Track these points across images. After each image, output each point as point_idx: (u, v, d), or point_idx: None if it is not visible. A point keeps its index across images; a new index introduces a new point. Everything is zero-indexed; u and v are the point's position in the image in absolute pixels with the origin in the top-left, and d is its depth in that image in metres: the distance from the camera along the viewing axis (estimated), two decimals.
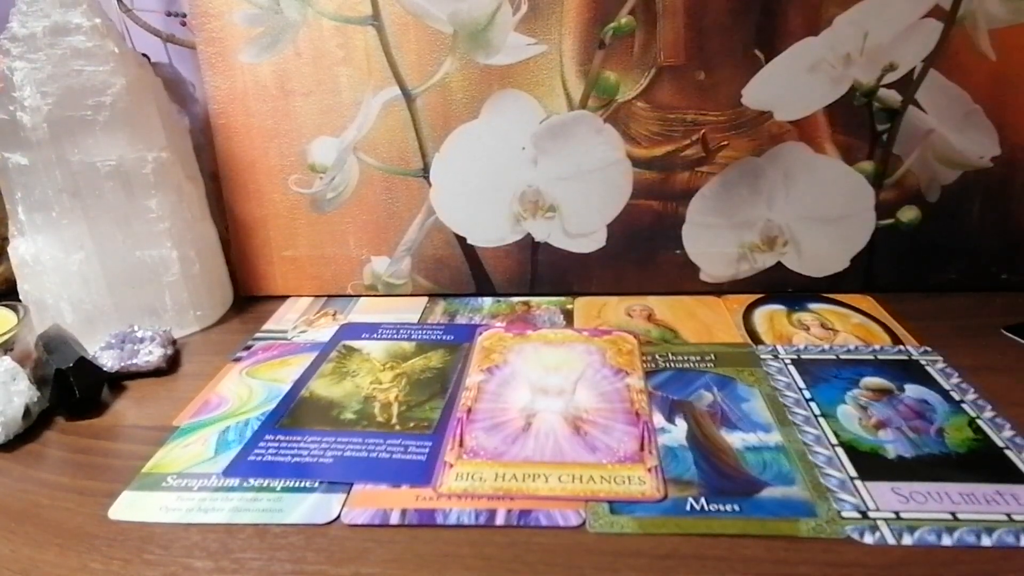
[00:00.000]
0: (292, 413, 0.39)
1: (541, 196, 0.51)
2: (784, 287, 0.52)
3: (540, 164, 0.51)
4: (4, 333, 0.43)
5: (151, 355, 0.45)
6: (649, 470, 0.33)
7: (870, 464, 0.33)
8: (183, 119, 0.56)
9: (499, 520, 0.30)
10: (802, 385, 0.40)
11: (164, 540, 0.30)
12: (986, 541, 0.28)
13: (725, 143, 0.49)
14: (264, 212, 0.54)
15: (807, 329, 0.47)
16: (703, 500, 0.31)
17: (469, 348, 0.46)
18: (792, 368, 0.41)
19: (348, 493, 0.32)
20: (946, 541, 0.28)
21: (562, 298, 0.53)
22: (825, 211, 0.50)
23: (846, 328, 0.46)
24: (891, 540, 0.28)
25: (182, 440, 0.38)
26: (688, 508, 0.30)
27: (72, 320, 0.47)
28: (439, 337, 0.48)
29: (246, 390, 0.42)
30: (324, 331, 0.50)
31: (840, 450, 0.34)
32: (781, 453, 0.34)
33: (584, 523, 0.30)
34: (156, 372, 0.45)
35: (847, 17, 0.46)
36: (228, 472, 0.34)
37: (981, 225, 0.50)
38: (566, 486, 0.32)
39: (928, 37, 0.46)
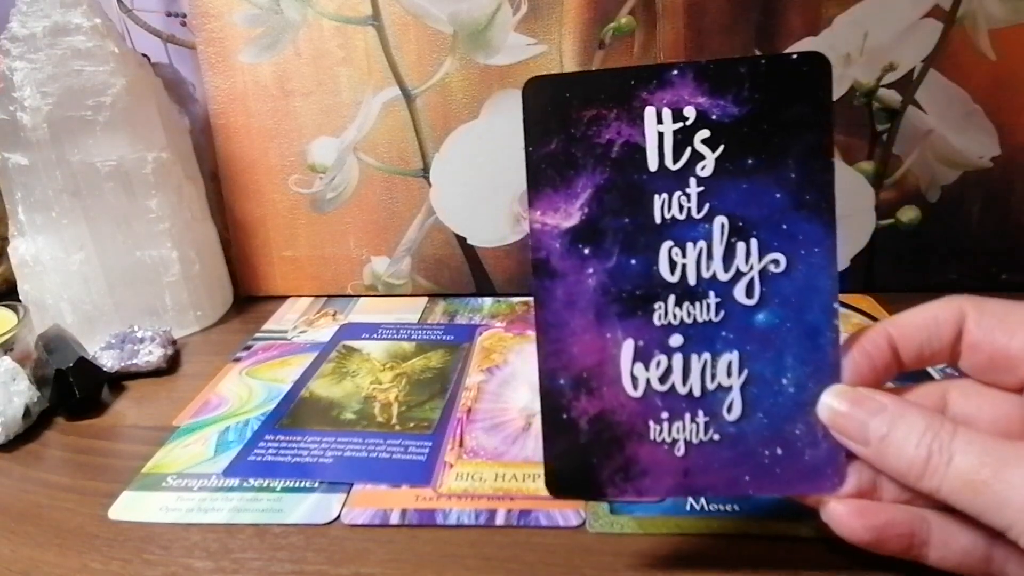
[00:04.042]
0: (292, 413, 0.39)
1: None
2: None
3: None
4: (4, 333, 0.43)
5: (151, 355, 0.45)
6: None
7: None
8: (183, 119, 0.56)
9: (499, 520, 0.30)
10: None
11: (164, 540, 0.30)
12: None
13: None
14: (264, 212, 0.54)
15: None
16: (703, 500, 0.31)
17: (469, 348, 0.46)
18: None
19: (348, 493, 0.32)
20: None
21: None
22: None
23: (846, 328, 0.46)
24: None
25: (182, 440, 0.38)
26: (688, 508, 0.30)
27: (72, 320, 0.47)
28: (439, 337, 0.48)
29: (246, 390, 0.42)
30: (324, 331, 0.50)
31: None
32: None
33: (584, 523, 0.30)
34: (156, 372, 0.45)
35: (847, 17, 0.46)
36: (228, 472, 0.34)
37: (981, 225, 0.50)
38: None
39: (928, 37, 0.46)
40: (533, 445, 0.35)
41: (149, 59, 0.54)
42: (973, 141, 0.48)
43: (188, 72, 0.59)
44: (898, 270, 0.51)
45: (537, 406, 0.38)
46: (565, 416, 0.26)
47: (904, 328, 0.25)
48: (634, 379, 0.26)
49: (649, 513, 0.30)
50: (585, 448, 0.26)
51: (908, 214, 0.50)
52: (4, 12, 0.45)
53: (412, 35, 0.49)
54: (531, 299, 0.53)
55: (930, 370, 0.39)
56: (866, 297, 0.51)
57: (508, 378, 0.42)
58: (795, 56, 0.24)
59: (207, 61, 0.51)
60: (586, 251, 0.26)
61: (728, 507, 0.30)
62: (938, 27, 0.46)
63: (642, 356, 0.26)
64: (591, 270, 0.26)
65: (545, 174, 0.26)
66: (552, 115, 0.26)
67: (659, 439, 0.26)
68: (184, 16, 0.58)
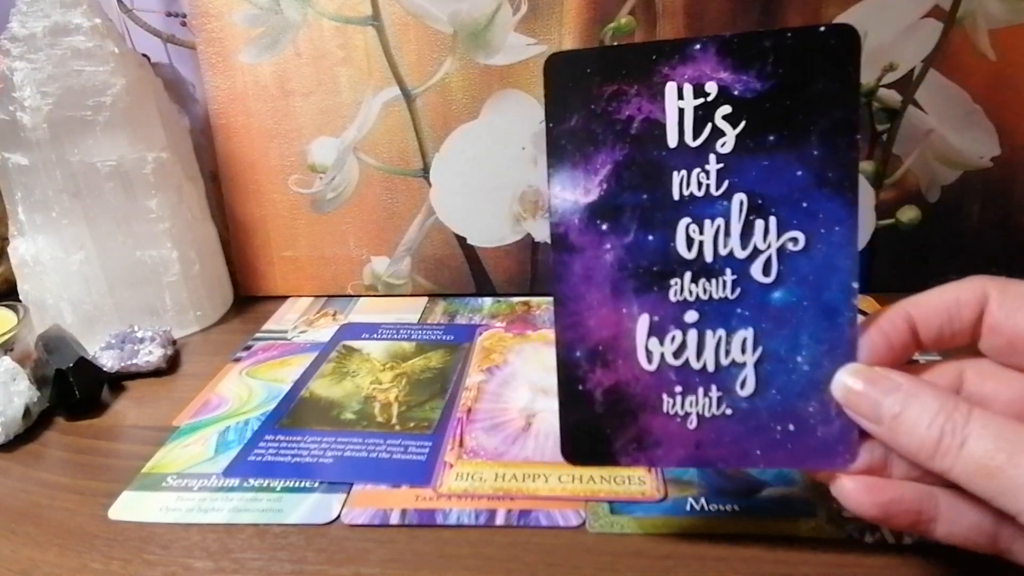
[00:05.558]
0: (292, 413, 0.39)
1: (541, 196, 0.51)
2: None
3: (540, 164, 0.51)
4: (4, 333, 0.43)
5: (151, 355, 0.45)
6: (649, 470, 0.33)
7: None
8: (183, 119, 0.56)
9: (499, 520, 0.30)
10: None
11: (164, 540, 0.30)
12: None
13: None
14: (264, 212, 0.54)
15: None
16: (703, 500, 0.31)
17: (469, 348, 0.46)
18: None
19: (348, 493, 0.32)
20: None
21: None
22: None
23: None
24: (891, 540, 0.28)
25: (182, 440, 0.38)
26: (688, 508, 0.30)
27: (72, 320, 0.47)
28: (439, 337, 0.48)
29: (246, 390, 0.42)
30: (324, 331, 0.50)
31: None
32: None
33: (584, 523, 0.30)
34: (156, 372, 0.45)
35: (847, 17, 0.46)
36: (228, 472, 0.34)
37: (981, 225, 0.50)
38: (566, 486, 0.32)
39: (928, 37, 0.46)
40: (533, 445, 0.35)
41: (149, 59, 0.54)
42: (973, 141, 0.48)
43: (188, 72, 0.59)
44: (898, 270, 0.51)
45: (537, 406, 0.38)
46: (581, 387, 0.27)
47: (924, 309, 0.25)
48: (649, 353, 0.26)
49: (649, 513, 0.30)
50: (600, 418, 0.27)
51: (908, 214, 0.50)
52: (4, 12, 0.45)
53: (412, 35, 0.49)
54: (531, 299, 0.53)
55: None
56: (866, 297, 0.51)
57: (508, 378, 0.42)
58: (823, 28, 0.24)
59: (207, 61, 0.51)
60: (604, 226, 0.26)
61: (728, 507, 0.30)
62: (938, 27, 0.46)
63: (657, 331, 0.26)
64: (609, 245, 0.26)
65: (565, 150, 0.26)
66: (573, 91, 0.26)
67: (672, 412, 0.26)
68: (184, 16, 0.58)
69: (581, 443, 0.27)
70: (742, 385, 0.26)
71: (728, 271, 0.25)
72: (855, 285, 0.25)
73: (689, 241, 0.26)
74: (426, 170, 0.52)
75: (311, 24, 0.49)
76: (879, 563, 0.27)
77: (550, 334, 0.47)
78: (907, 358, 0.26)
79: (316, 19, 0.49)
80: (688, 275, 0.26)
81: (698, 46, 0.25)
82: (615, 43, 0.48)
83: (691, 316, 0.26)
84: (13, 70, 0.44)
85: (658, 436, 0.26)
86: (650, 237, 0.26)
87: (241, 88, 0.51)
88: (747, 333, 0.25)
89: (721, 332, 0.26)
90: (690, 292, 0.26)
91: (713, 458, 0.26)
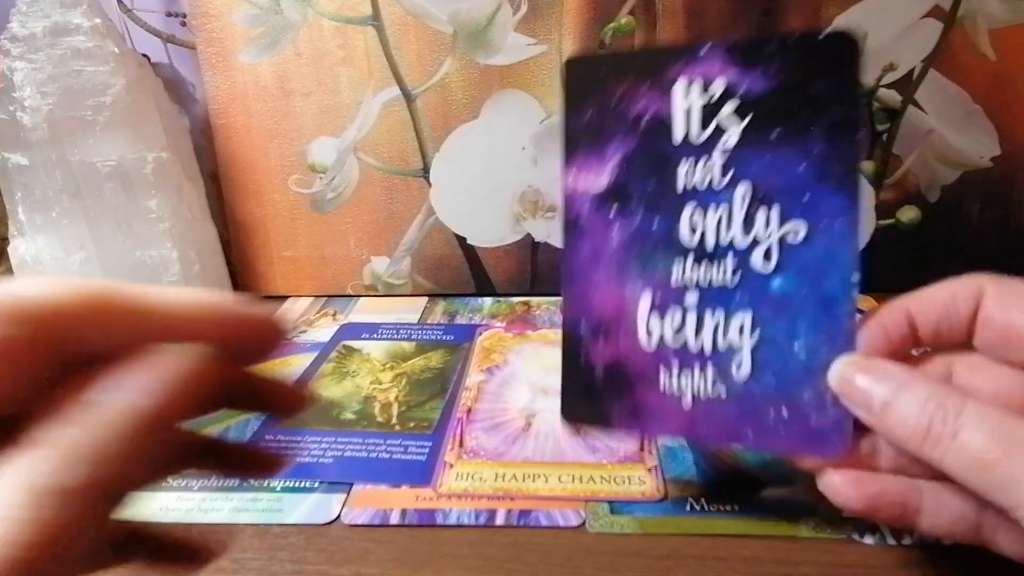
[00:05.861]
0: None
1: (541, 196, 0.51)
2: None
3: (540, 164, 0.51)
4: None
5: None
6: (649, 470, 0.33)
7: None
8: (183, 119, 0.56)
9: (499, 520, 0.30)
10: None
11: None
12: None
13: None
14: (264, 212, 0.54)
15: None
16: (703, 500, 0.31)
17: (469, 348, 0.46)
18: None
19: (348, 493, 0.32)
20: (947, 540, 0.28)
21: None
22: None
23: None
24: (891, 540, 0.28)
25: None
26: (688, 508, 0.30)
27: None
28: (439, 337, 0.48)
29: None
30: (324, 331, 0.50)
31: None
32: None
33: (584, 523, 0.30)
34: None
35: (847, 17, 0.46)
36: None
37: (981, 225, 0.50)
38: (566, 486, 0.32)
39: (928, 37, 0.46)
40: (533, 445, 0.35)
41: (149, 59, 0.54)
42: (973, 141, 0.48)
43: (188, 72, 0.58)
44: (898, 270, 0.51)
45: (537, 406, 0.38)
46: (583, 360, 0.28)
47: (923, 304, 0.26)
48: (649, 331, 0.27)
49: (649, 513, 0.30)
50: (600, 388, 0.28)
51: (908, 214, 0.50)
52: (4, 12, 0.45)
53: (412, 35, 0.49)
54: (531, 299, 0.53)
55: None
56: (866, 297, 0.51)
57: (508, 378, 0.42)
58: (823, 36, 0.25)
59: (207, 61, 0.51)
60: (612, 212, 0.27)
61: (728, 507, 0.30)
62: (938, 27, 0.46)
63: (658, 310, 0.27)
64: (616, 229, 0.27)
65: (579, 142, 0.28)
66: (588, 90, 0.27)
67: (668, 390, 0.27)
68: (184, 16, 0.58)
69: (580, 405, 0.28)
70: (738, 368, 0.26)
71: (729, 258, 0.26)
72: (855, 278, 0.25)
73: (692, 228, 0.26)
74: (426, 170, 0.52)
75: (311, 24, 0.49)
76: (879, 563, 0.27)
77: (550, 334, 0.47)
78: (905, 352, 0.26)
79: (316, 19, 0.49)
80: (690, 259, 0.27)
81: (705, 49, 0.26)
82: (614, 43, 0.48)
83: (691, 298, 0.27)
84: (13, 70, 0.44)
85: (653, 411, 0.27)
86: (654, 223, 0.27)
87: (241, 88, 0.51)
88: (745, 318, 0.26)
89: (720, 315, 0.26)
90: (691, 276, 0.27)
91: (705, 434, 0.27)
